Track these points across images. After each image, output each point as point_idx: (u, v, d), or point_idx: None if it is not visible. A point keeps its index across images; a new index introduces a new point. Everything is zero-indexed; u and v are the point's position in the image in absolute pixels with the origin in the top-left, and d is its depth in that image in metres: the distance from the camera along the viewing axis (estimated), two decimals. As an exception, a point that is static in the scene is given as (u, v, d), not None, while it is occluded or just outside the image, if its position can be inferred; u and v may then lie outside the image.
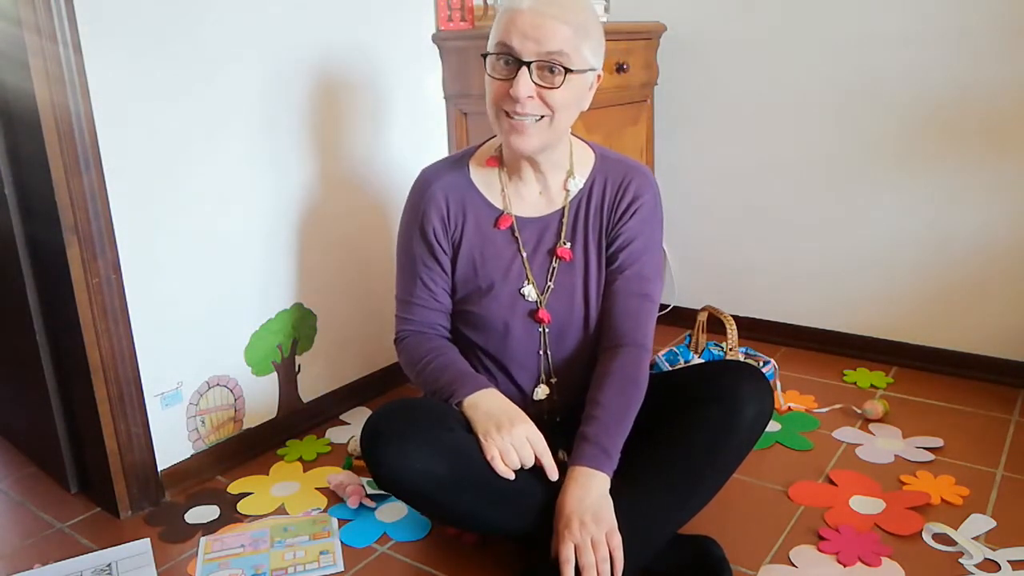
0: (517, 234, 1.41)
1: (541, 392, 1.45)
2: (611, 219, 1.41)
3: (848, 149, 2.13)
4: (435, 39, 2.11)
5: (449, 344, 1.46)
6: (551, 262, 1.42)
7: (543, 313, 1.41)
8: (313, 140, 1.85)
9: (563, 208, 1.42)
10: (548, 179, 1.41)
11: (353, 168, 1.95)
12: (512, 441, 1.27)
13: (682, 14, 2.29)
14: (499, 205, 1.42)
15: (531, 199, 1.42)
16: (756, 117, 2.25)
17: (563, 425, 1.46)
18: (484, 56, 1.31)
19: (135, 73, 1.51)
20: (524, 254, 1.41)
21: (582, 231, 1.42)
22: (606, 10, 2.32)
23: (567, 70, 1.26)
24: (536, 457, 1.28)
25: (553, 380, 1.45)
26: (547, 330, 1.42)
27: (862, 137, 2.10)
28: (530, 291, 1.41)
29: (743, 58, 2.22)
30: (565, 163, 1.42)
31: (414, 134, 2.10)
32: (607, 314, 1.41)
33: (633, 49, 2.18)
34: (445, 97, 2.16)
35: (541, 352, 1.44)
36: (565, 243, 1.41)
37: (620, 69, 2.10)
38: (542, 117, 1.29)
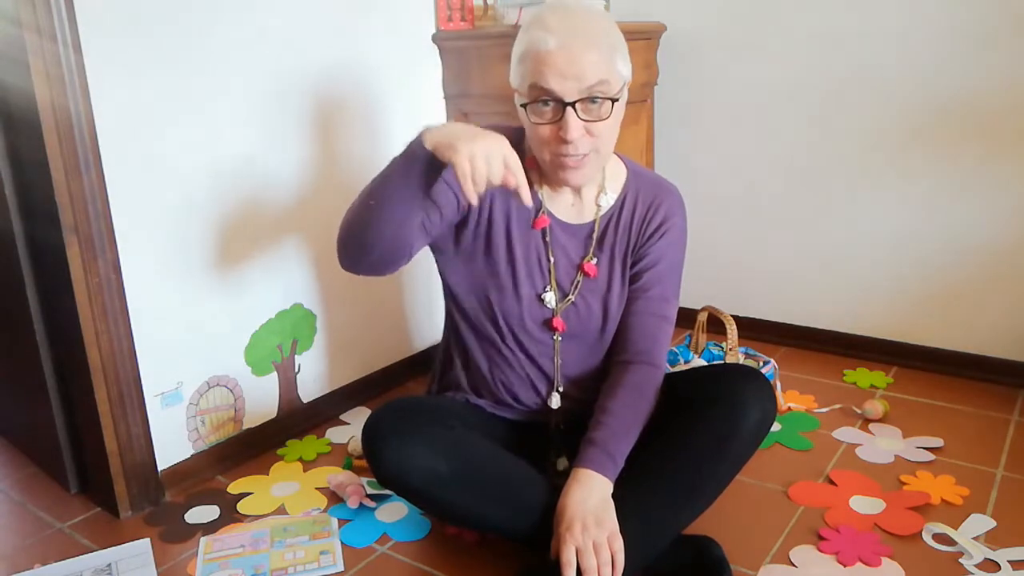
0: (548, 238, 1.40)
1: (556, 400, 1.45)
2: (639, 238, 1.41)
3: (848, 150, 2.13)
4: (435, 39, 2.11)
5: None
6: (576, 275, 1.41)
7: (558, 321, 1.40)
8: (313, 140, 1.85)
9: (594, 222, 1.41)
10: (582, 193, 1.41)
11: (353, 168, 1.95)
12: (485, 151, 1.09)
13: (682, 14, 2.29)
14: (540, 198, 1.39)
15: (564, 207, 1.41)
16: (756, 117, 2.24)
17: (565, 434, 1.46)
18: (523, 106, 1.28)
19: (135, 73, 1.51)
20: (552, 259, 1.40)
21: (609, 247, 1.41)
22: (606, 10, 2.32)
23: (613, 100, 1.25)
24: (507, 174, 1.12)
25: (560, 389, 1.45)
26: (560, 338, 1.42)
27: (862, 138, 2.10)
28: (550, 298, 1.40)
29: (743, 58, 2.22)
30: (598, 178, 1.41)
31: (414, 134, 2.09)
32: (625, 330, 1.41)
33: (633, 49, 2.14)
34: (445, 97, 2.16)
35: (553, 360, 1.43)
36: (592, 259, 1.41)
37: (620, 69, 2.10)
38: (589, 153, 1.28)
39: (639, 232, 1.41)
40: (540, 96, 1.24)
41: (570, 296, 1.41)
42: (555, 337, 1.42)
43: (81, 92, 1.42)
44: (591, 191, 1.41)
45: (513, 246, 1.38)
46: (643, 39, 2.22)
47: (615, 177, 1.43)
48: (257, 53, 1.70)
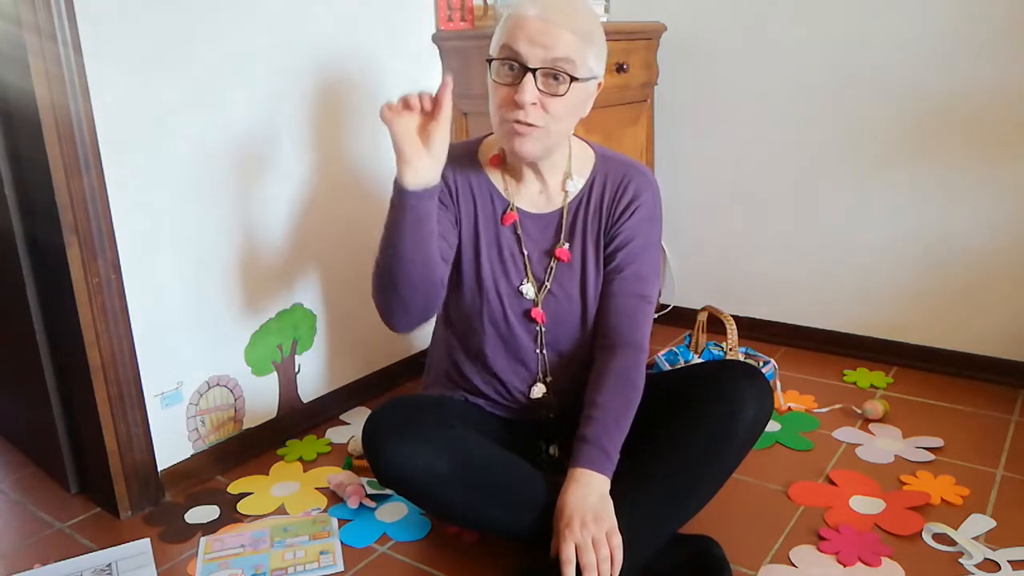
0: (519, 231, 1.41)
1: (538, 391, 1.45)
2: (610, 218, 1.42)
3: (848, 150, 2.13)
4: (435, 39, 2.11)
5: None
6: (549, 262, 1.42)
7: (537, 312, 1.41)
8: (313, 141, 1.85)
9: (562, 208, 1.42)
10: (547, 180, 1.41)
11: (353, 168, 1.95)
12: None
13: (682, 14, 2.29)
14: (505, 197, 1.42)
15: (532, 197, 1.42)
16: (756, 117, 2.25)
17: (558, 422, 1.46)
18: (489, 61, 1.31)
19: (135, 73, 1.51)
20: (525, 252, 1.41)
21: (581, 231, 1.42)
22: (606, 10, 2.33)
23: (572, 78, 1.26)
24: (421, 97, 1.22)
25: (548, 379, 1.45)
26: (543, 329, 1.42)
27: (862, 138, 2.10)
28: (528, 289, 1.41)
29: (743, 58, 2.22)
30: (563, 164, 1.42)
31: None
32: (604, 314, 1.41)
33: (633, 49, 2.18)
34: (445, 97, 2.16)
35: (538, 351, 1.44)
36: (564, 244, 1.42)
37: (620, 69, 2.10)
38: (541, 126, 1.29)
39: (609, 212, 1.42)
40: (508, 56, 1.27)
41: (547, 283, 1.41)
42: (538, 328, 1.42)
43: (81, 92, 1.42)
44: (556, 177, 1.42)
45: (488, 247, 1.41)
46: (643, 39, 2.22)
47: (583, 162, 1.44)
48: (257, 53, 1.70)
